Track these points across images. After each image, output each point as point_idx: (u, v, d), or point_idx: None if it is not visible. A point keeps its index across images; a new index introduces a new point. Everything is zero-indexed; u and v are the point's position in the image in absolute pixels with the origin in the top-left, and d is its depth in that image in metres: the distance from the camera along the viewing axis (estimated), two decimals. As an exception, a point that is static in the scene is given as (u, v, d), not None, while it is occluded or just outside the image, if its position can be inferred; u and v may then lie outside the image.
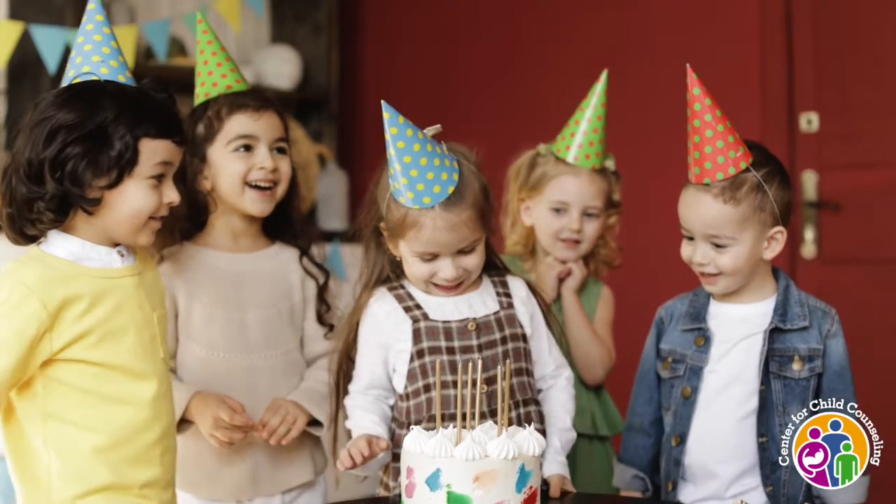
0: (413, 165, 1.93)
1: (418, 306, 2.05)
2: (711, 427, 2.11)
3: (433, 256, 2.00)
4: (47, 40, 3.35)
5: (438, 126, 1.99)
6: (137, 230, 1.89)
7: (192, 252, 2.34)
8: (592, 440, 2.50)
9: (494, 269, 2.14)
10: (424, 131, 1.96)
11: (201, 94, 2.36)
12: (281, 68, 4.21)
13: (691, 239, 2.13)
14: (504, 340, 2.05)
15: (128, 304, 1.89)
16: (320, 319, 2.39)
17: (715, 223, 2.07)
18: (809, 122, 3.64)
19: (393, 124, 1.92)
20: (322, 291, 2.40)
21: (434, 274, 2.01)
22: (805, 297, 2.15)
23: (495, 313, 2.06)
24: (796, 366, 2.09)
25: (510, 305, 2.08)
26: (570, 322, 2.51)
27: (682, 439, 2.13)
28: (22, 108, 3.31)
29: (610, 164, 2.55)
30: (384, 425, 2.04)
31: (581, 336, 2.50)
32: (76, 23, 3.42)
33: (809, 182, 3.62)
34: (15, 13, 3.47)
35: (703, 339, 2.14)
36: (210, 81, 2.36)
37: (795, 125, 3.66)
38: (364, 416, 2.05)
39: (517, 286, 2.12)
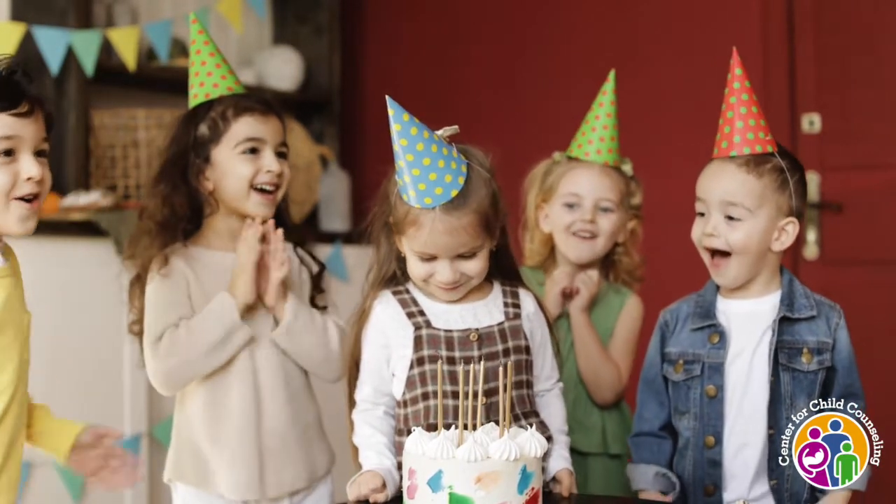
0: (415, 164, 1.89)
1: (422, 313, 2.03)
2: (732, 424, 2.10)
3: (431, 257, 1.98)
4: (49, 41, 3.35)
5: (455, 127, 1.95)
6: (2, 213, 1.85)
7: (196, 253, 2.35)
8: (603, 458, 2.44)
9: (509, 278, 2.11)
10: (440, 132, 1.93)
11: (200, 94, 2.35)
12: (283, 69, 4.20)
13: (703, 215, 2.13)
14: (507, 352, 2.01)
15: (10, 301, 1.89)
16: (312, 302, 2.40)
17: (736, 192, 2.08)
18: (811, 123, 3.63)
19: (397, 121, 1.88)
20: (317, 279, 2.41)
21: (431, 275, 2.00)
22: (809, 291, 2.15)
23: (499, 324, 2.03)
24: (805, 358, 2.08)
25: (516, 317, 2.05)
26: (578, 342, 2.45)
27: (717, 439, 2.10)
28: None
29: (627, 168, 2.52)
30: (392, 448, 2.02)
31: (589, 357, 2.44)
32: (78, 24, 3.44)
33: (811, 183, 3.61)
34: (17, 14, 3.47)
35: (717, 335, 2.12)
36: (210, 82, 2.35)
37: (797, 126, 3.65)
38: (372, 435, 2.02)
39: (527, 301, 2.09)
